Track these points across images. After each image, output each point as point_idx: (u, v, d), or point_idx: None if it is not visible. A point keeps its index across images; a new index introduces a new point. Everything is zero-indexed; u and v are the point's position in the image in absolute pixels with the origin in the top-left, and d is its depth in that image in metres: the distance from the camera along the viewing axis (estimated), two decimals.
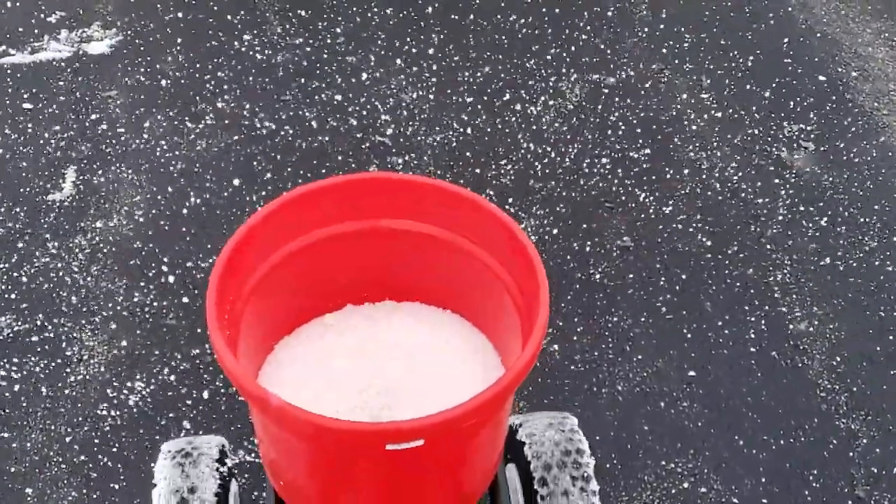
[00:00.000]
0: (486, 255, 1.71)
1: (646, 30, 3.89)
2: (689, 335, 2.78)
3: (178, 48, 3.64)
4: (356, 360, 1.74)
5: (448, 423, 1.36)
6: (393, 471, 1.51)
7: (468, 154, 3.29)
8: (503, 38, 3.78)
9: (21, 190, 3.08)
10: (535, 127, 3.41)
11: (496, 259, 1.70)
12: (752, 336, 2.78)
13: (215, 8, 3.85)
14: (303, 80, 3.54)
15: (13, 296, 2.76)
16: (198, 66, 3.57)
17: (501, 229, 1.65)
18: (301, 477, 1.61)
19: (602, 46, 3.78)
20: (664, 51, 3.78)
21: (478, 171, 3.22)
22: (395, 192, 1.73)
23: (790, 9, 4.06)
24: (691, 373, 2.68)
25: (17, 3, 3.86)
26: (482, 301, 1.76)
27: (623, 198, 3.18)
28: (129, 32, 3.71)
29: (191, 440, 1.89)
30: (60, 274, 2.82)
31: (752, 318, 2.83)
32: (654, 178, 3.25)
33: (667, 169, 3.29)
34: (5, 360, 2.60)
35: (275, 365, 1.76)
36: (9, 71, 3.53)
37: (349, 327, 1.82)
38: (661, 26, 3.90)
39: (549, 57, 3.71)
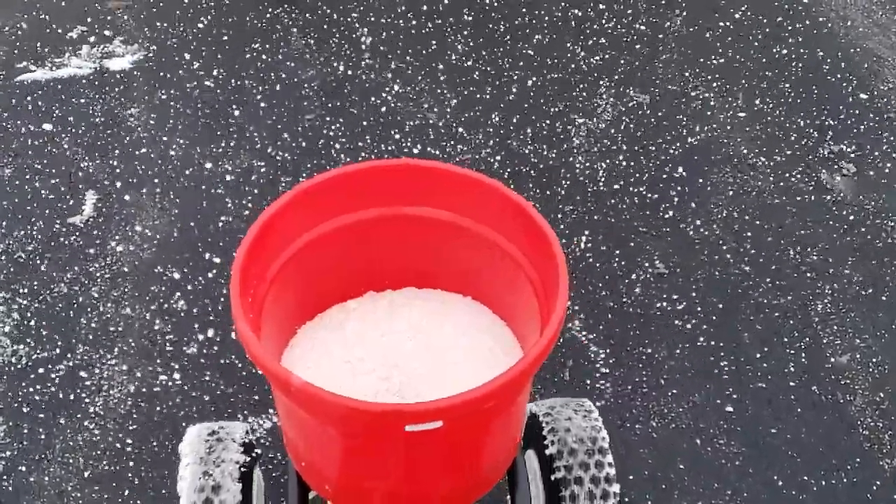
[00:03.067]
0: (505, 241, 1.72)
1: (679, 45, 3.78)
2: (726, 368, 2.68)
3: (201, 64, 3.58)
4: (377, 347, 1.74)
5: (466, 405, 1.37)
6: (412, 452, 1.51)
7: (495, 174, 3.20)
8: (532, 55, 3.69)
9: (40, 212, 3.02)
10: (564, 146, 3.32)
11: (515, 245, 1.70)
12: (792, 369, 2.68)
13: (239, 24, 3.79)
14: (327, 98, 3.46)
15: (32, 322, 2.71)
16: (221, 82, 3.51)
17: (520, 215, 1.65)
18: (322, 458, 1.61)
19: (634, 62, 3.68)
20: (698, 67, 3.68)
21: None
22: (415, 178, 1.74)
23: (829, 22, 3.94)
24: (728, 408, 2.58)
25: (38, 18, 3.81)
26: (502, 288, 1.77)
27: (657, 221, 3.08)
28: (151, 48, 3.66)
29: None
30: (80, 300, 2.76)
31: (792, 351, 2.73)
32: (688, 200, 3.15)
33: (702, 191, 3.19)
34: (24, 390, 2.54)
35: (297, 349, 1.76)
36: (29, 88, 3.48)
37: (370, 313, 1.82)
38: (695, 41, 3.80)
39: (579, 74, 3.61)
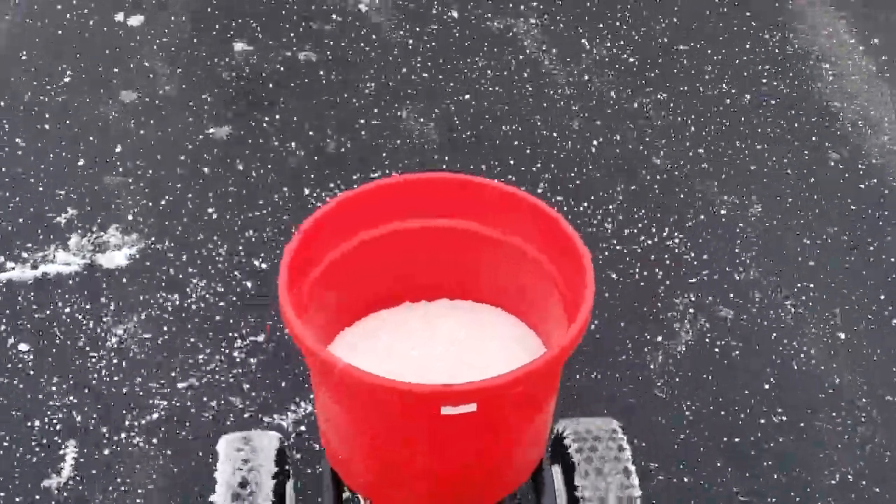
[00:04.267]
0: (536, 252, 1.82)
1: (760, 238, 3.28)
2: None
3: (208, 258, 3.06)
4: (410, 360, 1.80)
5: (500, 388, 1.48)
6: (444, 439, 1.59)
7: None
8: (605, 275, 3.19)
9: (6, 473, 2.46)
10: (639, 374, 2.80)
11: (546, 256, 1.80)
12: None
13: (254, 209, 3.25)
14: None
15: None
16: (232, 284, 2.97)
17: (550, 225, 1.77)
18: (358, 449, 1.71)
19: (713, 263, 3.17)
20: (785, 269, 3.17)
21: None
22: (452, 191, 1.85)
23: None
24: None
25: (23, 198, 3.25)
26: (533, 298, 1.87)
27: (749, 479, 2.55)
28: (152, 238, 3.11)
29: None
30: None
31: None
32: (789, 452, 2.63)
33: (804, 442, 2.66)
34: None
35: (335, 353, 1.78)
36: (4, 291, 2.92)
37: (405, 324, 1.90)
38: (779, 234, 3.30)
39: (652, 285, 3.09)
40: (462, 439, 1.61)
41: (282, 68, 3.74)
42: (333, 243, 1.80)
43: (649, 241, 3.21)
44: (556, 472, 2.05)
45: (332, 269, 1.81)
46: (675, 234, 3.25)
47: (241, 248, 3.09)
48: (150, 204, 3.23)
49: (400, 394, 1.48)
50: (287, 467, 2.00)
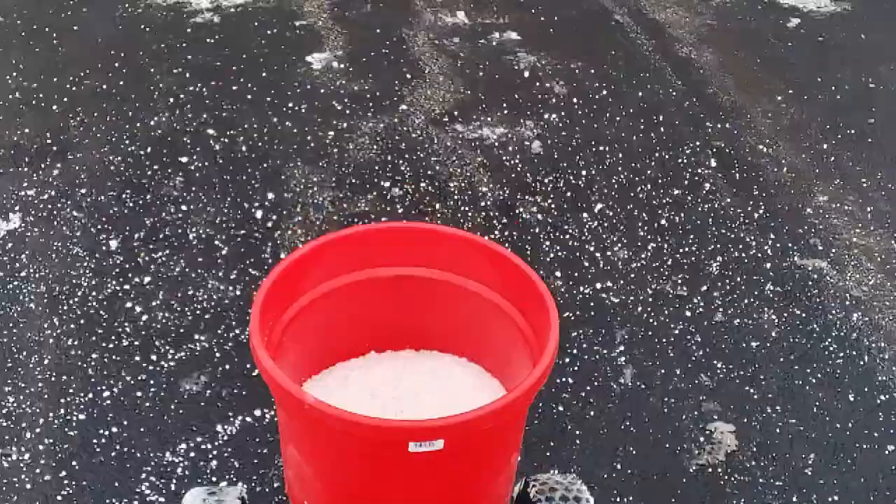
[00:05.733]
0: (498, 297, 1.81)
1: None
2: None
3: None
4: (374, 408, 1.77)
5: (467, 424, 1.47)
6: (412, 478, 1.57)
7: None
8: None
9: None
10: None
11: (511, 303, 1.79)
12: None
13: None
14: None
15: None
16: None
17: (513, 271, 1.76)
18: (325, 492, 1.66)
19: None
20: None
21: None
22: (416, 241, 1.85)
23: None
24: None
25: None
26: (498, 347, 1.85)
27: None
28: None
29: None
30: None
31: None
32: None
33: None
34: None
35: None
36: None
37: (371, 374, 1.89)
38: None
39: None
40: (429, 478, 1.59)
41: None
42: (302, 290, 1.80)
43: None
44: None
45: (301, 317, 1.80)
46: None
47: None
48: None
49: (369, 429, 1.46)
50: None
